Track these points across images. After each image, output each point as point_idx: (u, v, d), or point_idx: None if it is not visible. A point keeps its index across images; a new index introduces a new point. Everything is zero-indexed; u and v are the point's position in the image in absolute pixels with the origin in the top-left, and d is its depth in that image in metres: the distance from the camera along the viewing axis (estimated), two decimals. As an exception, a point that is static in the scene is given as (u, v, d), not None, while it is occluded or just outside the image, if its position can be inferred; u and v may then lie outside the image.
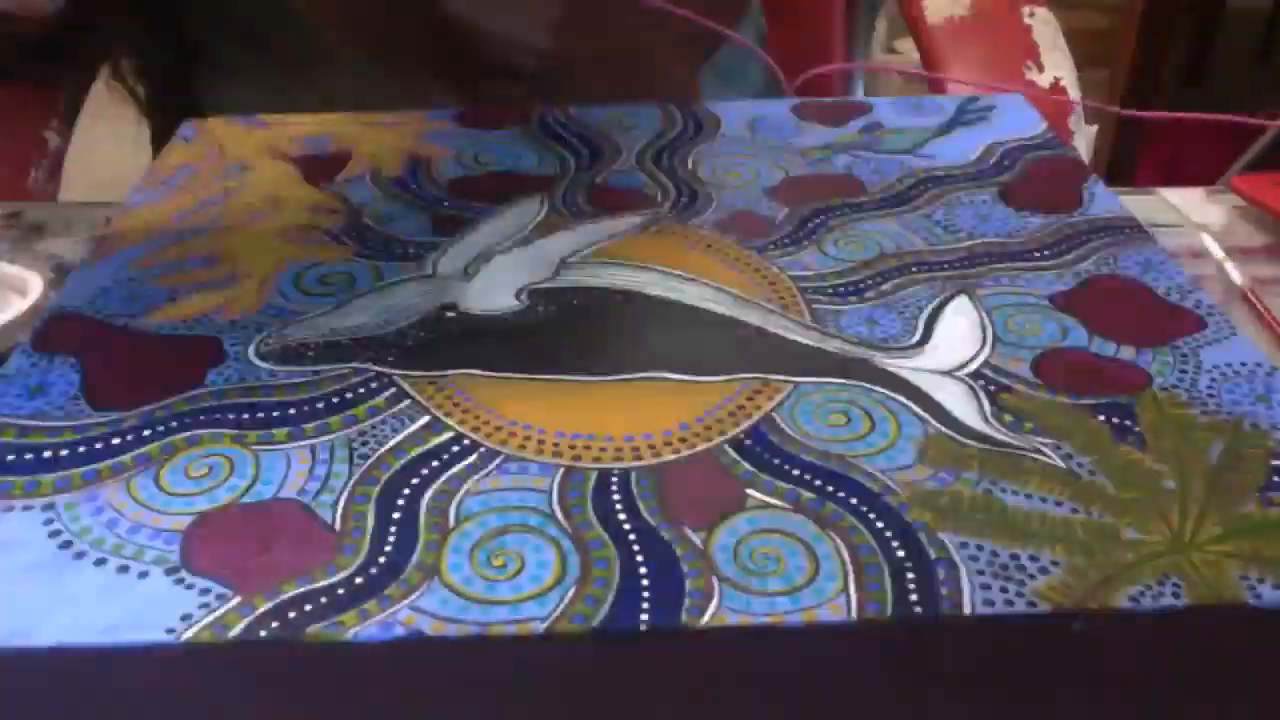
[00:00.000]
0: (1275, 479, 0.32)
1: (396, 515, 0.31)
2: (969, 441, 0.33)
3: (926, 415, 0.34)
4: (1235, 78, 2.48)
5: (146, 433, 0.34)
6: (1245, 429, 0.34)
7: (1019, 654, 0.29)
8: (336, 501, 0.31)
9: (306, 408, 0.35)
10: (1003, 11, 0.85)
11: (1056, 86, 0.79)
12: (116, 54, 0.73)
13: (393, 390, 0.36)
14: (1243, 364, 0.37)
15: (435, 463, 0.32)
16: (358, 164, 0.51)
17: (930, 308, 0.40)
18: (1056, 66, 0.81)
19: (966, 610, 0.28)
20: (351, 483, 0.32)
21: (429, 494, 0.31)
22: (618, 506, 0.31)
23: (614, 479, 0.32)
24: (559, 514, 0.31)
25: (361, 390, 0.36)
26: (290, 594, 0.28)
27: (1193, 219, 0.58)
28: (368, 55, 0.64)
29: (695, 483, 0.32)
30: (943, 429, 0.34)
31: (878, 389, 0.36)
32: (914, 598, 0.28)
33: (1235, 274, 0.53)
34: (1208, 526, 0.30)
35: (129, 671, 0.28)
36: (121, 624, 0.27)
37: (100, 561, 0.29)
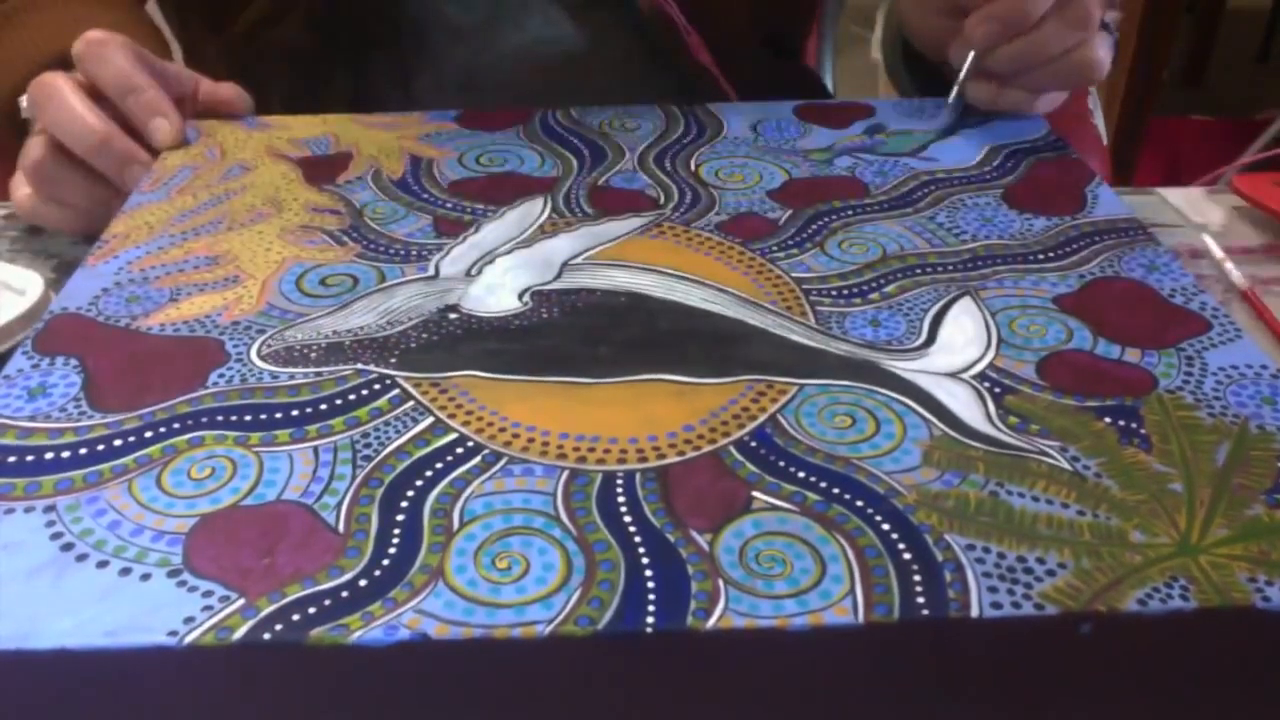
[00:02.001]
0: None
1: (400, 517, 0.31)
2: (975, 444, 0.33)
3: (932, 417, 0.34)
4: (1235, 78, 2.48)
5: (148, 434, 0.34)
6: (1252, 431, 0.34)
7: (1026, 657, 0.28)
8: (340, 504, 0.31)
9: (309, 409, 0.35)
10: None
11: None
12: None
13: (395, 392, 0.35)
14: (1248, 366, 0.37)
15: (439, 465, 0.32)
16: (359, 165, 0.51)
17: (934, 310, 0.40)
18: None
19: (974, 613, 0.27)
20: (355, 485, 0.32)
21: (433, 496, 0.31)
22: (623, 509, 0.31)
23: (619, 481, 0.32)
24: (564, 516, 0.30)
25: (364, 392, 0.35)
26: (294, 596, 0.28)
27: (1193, 219, 0.58)
28: None
29: (700, 485, 0.32)
30: (948, 431, 0.34)
31: (882, 391, 0.35)
32: (921, 600, 0.28)
33: (1235, 274, 0.53)
34: (1215, 529, 0.30)
35: (131, 674, 0.28)
36: (124, 627, 0.27)
37: (102, 564, 0.29)
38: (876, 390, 0.35)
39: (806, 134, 0.54)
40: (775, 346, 0.38)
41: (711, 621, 0.27)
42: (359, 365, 0.37)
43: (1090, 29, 0.52)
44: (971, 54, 0.53)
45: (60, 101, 0.51)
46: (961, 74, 0.54)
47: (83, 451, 0.33)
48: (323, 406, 0.35)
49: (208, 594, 0.28)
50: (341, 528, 0.30)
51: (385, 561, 0.29)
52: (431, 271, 0.42)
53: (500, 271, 0.42)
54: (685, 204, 0.47)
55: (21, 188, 0.54)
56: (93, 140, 0.51)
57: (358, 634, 0.27)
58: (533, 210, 0.47)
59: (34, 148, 0.53)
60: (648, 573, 0.29)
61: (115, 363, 0.37)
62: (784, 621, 0.27)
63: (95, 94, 0.53)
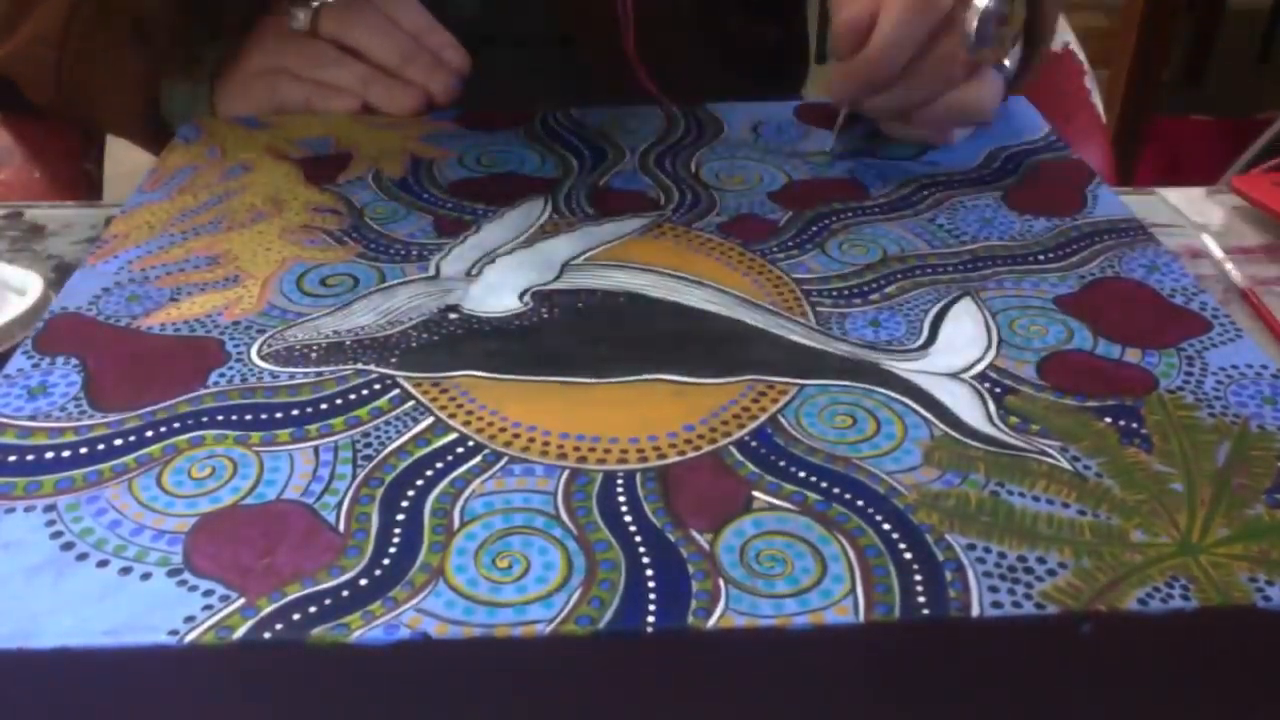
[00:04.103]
0: None
1: (400, 517, 0.31)
2: (975, 444, 0.33)
3: (932, 417, 0.34)
4: (1235, 78, 2.48)
5: (149, 434, 0.34)
6: (1252, 431, 0.34)
7: (1027, 656, 0.28)
8: (340, 503, 0.31)
9: (309, 409, 0.35)
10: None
11: (1068, 50, 0.83)
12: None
13: (396, 392, 0.35)
14: (1249, 365, 0.37)
15: (439, 464, 0.32)
16: (360, 165, 0.51)
17: (935, 310, 0.40)
18: (1063, 31, 0.85)
19: (974, 612, 0.27)
20: (355, 484, 0.32)
21: (433, 496, 0.31)
22: (623, 508, 0.31)
23: (619, 481, 0.32)
24: (564, 516, 0.30)
25: (364, 392, 0.35)
26: (294, 596, 0.28)
27: (1193, 219, 0.58)
28: None
29: (701, 484, 0.32)
30: (949, 431, 0.34)
31: (883, 391, 0.35)
32: (922, 600, 0.28)
33: (1235, 274, 0.53)
34: (1215, 529, 0.30)
35: (132, 673, 0.28)
36: (124, 626, 0.27)
37: (103, 563, 0.29)
38: (877, 390, 0.35)
39: (807, 136, 0.54)
40: (775, 347, 0.38)
41: (712, 621, 0.27)
42: (359, 365, 0.37)
43: (952, 80, 0.50)
44: (843, 111, 0.52)
45: (368, 16, 0.59)
46: (837, 125, 0.52)
47: (83, 451, 0.33)
48: (323, 406, 0.35)
49: (208, 593, 0.28)
50: (342, 527, 0.30)
51: (385, 561, 0.29)
52: (432, 271, 0.42)
53: (501, 271, 0.42)
54: (686, 205, 0.47)
55: (296, 90, 0.59)
56: (406, 45, 0.59)
57: (358, 633, 0.27)
58: (533, 210, 0.47)
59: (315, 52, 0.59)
60: (648, 572, 0.29)
61: (116, 362, 0.37)
62: (784, 621, 0.27)
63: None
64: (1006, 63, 0.52)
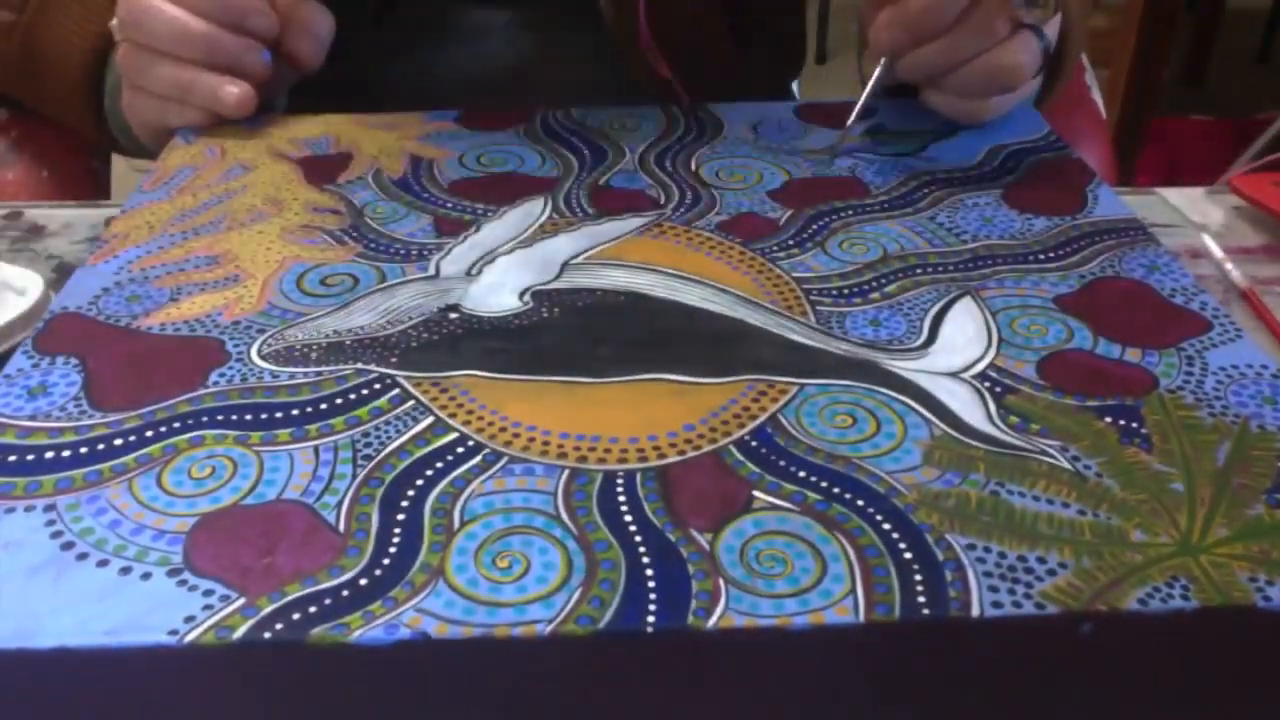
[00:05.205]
0: None
1: (401, 517, 0.31)
2: (975, 443, 0.33)
3: (932, 417, 0.34)
4: (1235, 78, 2.48)
5: (149, 434, 0.34)
6: (1252, 431, 0.34)
7: (1027, 656, 0.28)
8: (340, 503, 0.31)
9: (309, 409, 0.35)
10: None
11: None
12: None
13: (396, 391, 0.35)
14: (1249, 365, 0.37)
15: (439, 464, 0.32)
16: (360, 165, 0.51)
17: (935, 309, 0.40)
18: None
19: (974, 612, 0.27)
20: (355, 484, 0.32)
21: (433, 495, 0.31)
22: (623, 508, 0.31)
23: (619, 480, 0.32)
24: (564, 515, 0.30)
25: (365, 391, 0.35)
26: (294, 596, 0.28)
27: (1193, 219, 0.58)
28: None
29: (701, 484, 0.32)
30: (949, 431, 0.34)
31: (883, 390, 0.35)
32: (922, 600, 0.28)
33: (1235, 274, 0.53)
34: (1216, 529, 0.30)
35: (132, 673, 0.28)
36: (124, 625, 0.27)
37: (102, 563, 0.29)
38: (877, 390, 0.35)
39: (807, 134, 0.54)
40: (775, 346, 0.38)
41: (712, 621, 0.27)
42: (359, 365, 0.37)
43: (995, 35, 0.50)
44: (883, 61, 0.51)
45: (157, 13, 0.53)
46: (870, 83, 0.52)
47: (83, 450, 0.33)
48: (323, 406, 0.35)
49: (208, 593, 0.28)
50: (342, 527, 0.30)
51: (386, 561, 0.29)
52: (432, 271, 0.42)
53: (501, 271, 0.42)
54: (686, 204, 0.47)
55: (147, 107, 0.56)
56: (201, 44, 0.53)
57: (358, 633, 0.27)
58: (533, 210, 0.47)
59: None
60: (648, 572, 0.29)
61: (116, 362, 0.37)
62: (785, 621, 0.27)
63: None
64: (1047, 32, 0.52)
